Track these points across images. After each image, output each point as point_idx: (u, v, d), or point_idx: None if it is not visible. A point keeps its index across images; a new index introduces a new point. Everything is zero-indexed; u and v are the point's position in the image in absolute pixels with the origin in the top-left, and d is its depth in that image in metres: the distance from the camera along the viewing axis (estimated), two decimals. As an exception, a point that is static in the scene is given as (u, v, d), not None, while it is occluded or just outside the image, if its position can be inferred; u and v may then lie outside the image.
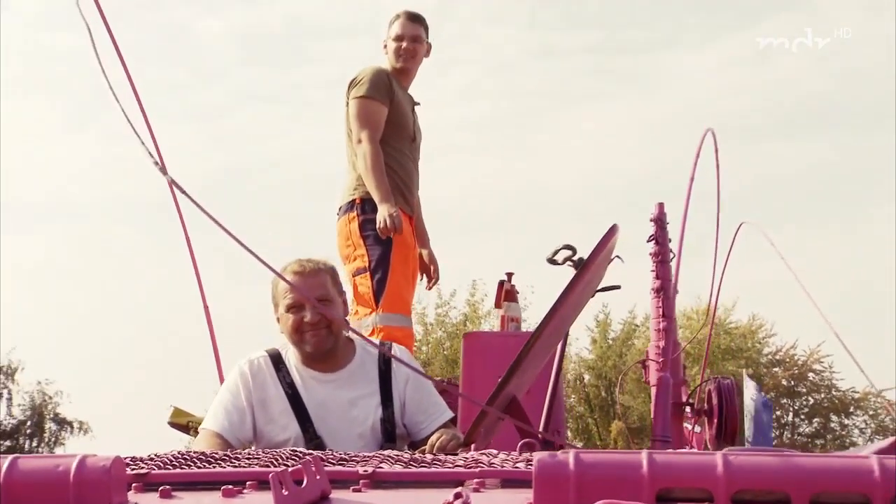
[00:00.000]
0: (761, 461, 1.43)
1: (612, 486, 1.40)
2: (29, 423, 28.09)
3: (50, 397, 28.28)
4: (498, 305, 4.36)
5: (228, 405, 2.90)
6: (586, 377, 26.74)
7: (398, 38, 4.57)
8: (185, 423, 4.24)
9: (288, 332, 2.96)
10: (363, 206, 4.30)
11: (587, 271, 2.28)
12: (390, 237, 4.17)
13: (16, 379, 27.90)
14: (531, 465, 1.60)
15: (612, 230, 2.29)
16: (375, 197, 4.22)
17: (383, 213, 4.16)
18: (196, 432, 3.39)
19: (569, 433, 26.97)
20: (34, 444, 26.94)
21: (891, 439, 2.39)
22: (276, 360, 2.98)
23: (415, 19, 4.60)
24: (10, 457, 1.47)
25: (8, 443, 26.62)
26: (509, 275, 4.39)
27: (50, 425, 28.24)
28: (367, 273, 4.21)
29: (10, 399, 28.12)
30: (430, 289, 4.85)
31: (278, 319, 3.01)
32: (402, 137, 4.51)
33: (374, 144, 4.29)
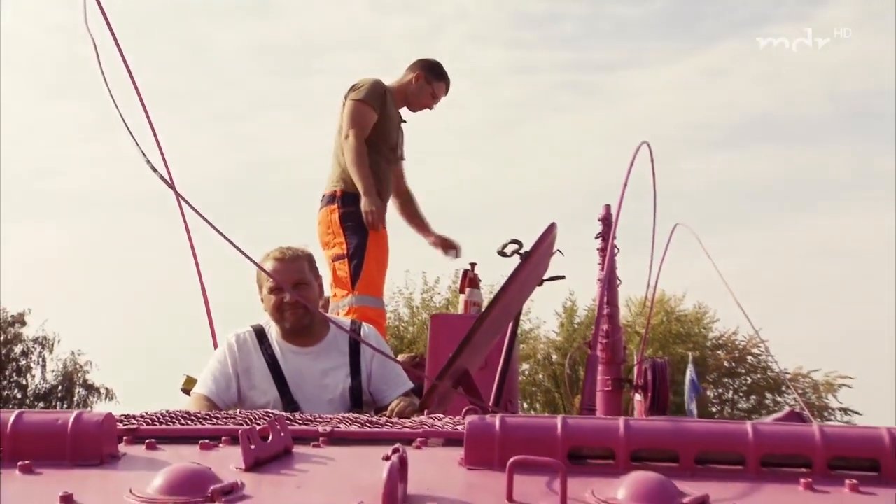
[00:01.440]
0: (656, 425, 1.48)
1: (531, 445, 1.45)
2: (60, 388, 27.99)
3: (80, 366, 28.21)
4: (462, 291, 4.40)
5: (216, 372, 2.95)
6: (554, 357, 26.83)
7: (434, 97, 4.68)
8: None
9: (270, 310, 3.01)
10: (343, 199, 4.30)
11: (528, 262, 2.33)
12: (367, 228, 4.19)
13: (53, 350, 27.85)
14: (467, 427, 1.65)
15: (550, 228, 2.34)
16: (360, 188, 4.22)
17: (367, 206, 4.18)
18: None
19: (537, 405, 27.04)
20: (64, 406, 26.85)
21: (787, 410, 2.44)
22: (260, 334, 3.02)
23: (450, 87, 4.73)
24: (17, 411, 1.51)
25: (41, 405, 26.56)
26: (472, 265, 4.44)
27: (79, 390, 28.15)
28: (346, 259, 4.22)
29: (44, 366, 28.04)
30: (458, 257, 4.75)
31: (262, 300, 3.06)
32: (386, 145, 4.50)
33: (360, 142, 4.29)
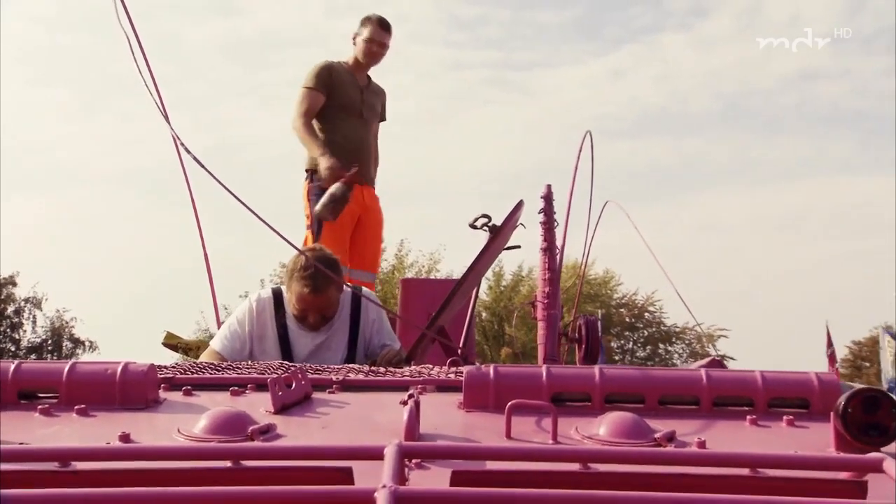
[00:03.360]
0: (626, 373, 1.51)
1: (520, 390, 1.46)
2: (50, 341, 27.31)
3: (66, 322, 27.54)
4: None
5: (234, 332, 2.82)
6: (484, 315, 27.06)
7: (369, 41, 4.23)
8: (175, 344, 4.12)
9: (294, 301, 2.81)
10: (310, 175, 4.15)
11: (501, 235, 2.33)
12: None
13: (42, 308, 27.16)
14: (460, 375, 1.66)
15: (520, 205, 2.35)
16: (315, 155, 4.01)
17: (322, 165, 3.95)
18: (184, 352, 3.33)
19: (469, 355, 27.37)
20: (53, 357, 26.13)
21: (709, 358, 2.51)
22: (278, 299, 2.86)
23: (386, 28, 4.26)
24: (71, 361, 1.46)
25: (33, 356, 25.84)
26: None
27: (66, 343, 27.47)
28: (308, 229, 4.08)
29: (34, 323, 27.31)
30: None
31: (289, 287, 2.83)
32: (349, 115, 4.23)
33: (302, 122, 4.08)
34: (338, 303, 2.85)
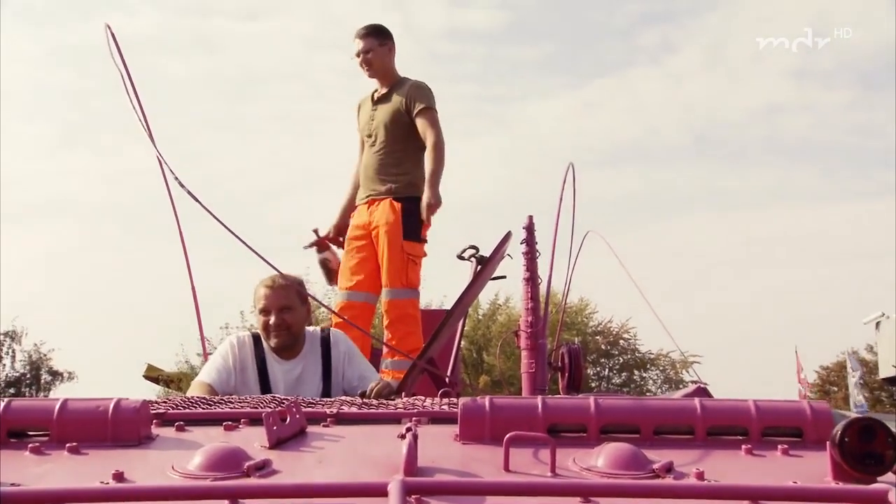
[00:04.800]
0: (621, 403, 1.49)
1: (516, 422, 1.43)
2: (28, 374, 26.80)
3: (44, 355, 27.08)
4: None
5: (220, 366, 2.86)
6: (462, 343, 26.97)
7: (356, 56, 4.00)
8: (156, 377, 4.05)
9: (259, 328, 2.96)
10: None
11: (489, 266, 2.32)
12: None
13: (21, 342, 26.72)
14: (454, 406, 1.63)
15: (508, 236, 2.34)
16: None
17: None
18: (165, 384, 3.30)
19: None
20: (32, 391, 25.59)
21: (693, 387, 2.50)
22: (257, 340, 2.95)
23: (361, 35, 3.98)
24: (62, 398, 1.42)
25: (11, 390, 25.30)
26: None
27: (45, 376, 26.95)
28: None
29: (13, 357, 26.81)
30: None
31: (255, 306, 2.99)
32: (364, 141, 4.06)
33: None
34: (303, 320, 2.93)
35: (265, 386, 2.86)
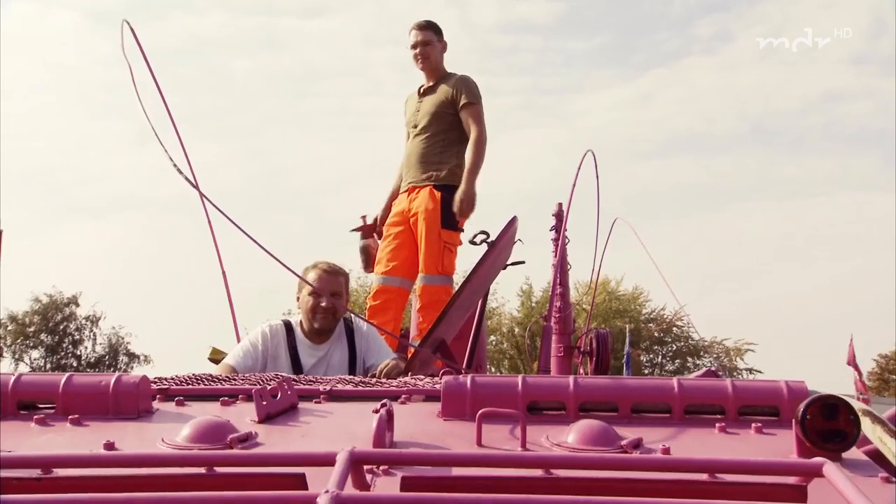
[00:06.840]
0: (599, 382, 1.48)
1: (496, 399, 1.44)
2: (107, 356, 27.94)
3: (122, 338, 28.21)
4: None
5: (246, 349, 2.92)
6: (516, 330, 26.88)
7: (412, 48, 4.03)
8: (219, 359, 4.19)
9: (305, 309, 2.97)
10: None
11: (493, 249, 2.31)
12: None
13: (99, 325, 27.91)
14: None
15: (512, 221, 2.33)
16: None
17: None
18: None
19: (503, 370, 27.19)
20: (112, 371, 26.74)
21: (704, 370, 2.45)
22: (289, 328, 3.00)
23: (420, 27, 4.01)
24: (67, 374, 1.48)
25: (95, 371, 26.51)
26: None
27: (123, 358, 28.08)
28: None
29: (94, 339, 28.02)
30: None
31: (298, 298, 3.03)
32: (408, 131, 4.09)
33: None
34: (344, 310, 2.99)
35: (297, 370, 2.91)
